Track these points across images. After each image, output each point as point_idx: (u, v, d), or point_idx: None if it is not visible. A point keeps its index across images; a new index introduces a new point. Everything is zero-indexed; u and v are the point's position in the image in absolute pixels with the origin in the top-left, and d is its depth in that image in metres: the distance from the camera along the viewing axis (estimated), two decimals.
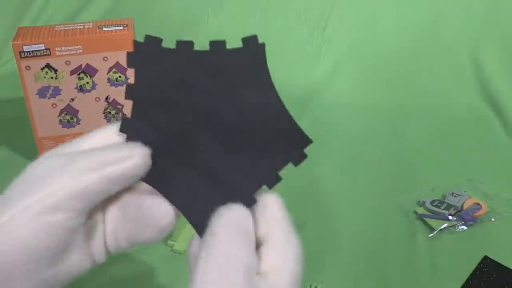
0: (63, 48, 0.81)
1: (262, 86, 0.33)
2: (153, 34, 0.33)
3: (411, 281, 0.70)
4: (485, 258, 0.72)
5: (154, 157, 0.32)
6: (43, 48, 0.80)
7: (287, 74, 1.17)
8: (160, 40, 0.33)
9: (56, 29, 0.83)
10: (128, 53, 0.33)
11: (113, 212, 0.34)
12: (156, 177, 0.33)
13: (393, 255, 0.74)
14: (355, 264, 0.73)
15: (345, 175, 0.90)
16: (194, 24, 1.25)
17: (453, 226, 0.78)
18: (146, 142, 0.32)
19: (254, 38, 0.33)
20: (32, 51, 0.80)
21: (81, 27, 0.83)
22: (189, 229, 0.78)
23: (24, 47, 0.80)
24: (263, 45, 0.33)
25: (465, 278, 0.70)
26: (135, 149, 0.31)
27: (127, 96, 0.33)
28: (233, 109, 0.32)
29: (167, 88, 0.32)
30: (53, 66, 0.82)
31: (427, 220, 0.79)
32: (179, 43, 0.32)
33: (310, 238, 0.77)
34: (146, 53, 0.33)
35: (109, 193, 0.31)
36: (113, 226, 0.34)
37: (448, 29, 1.20)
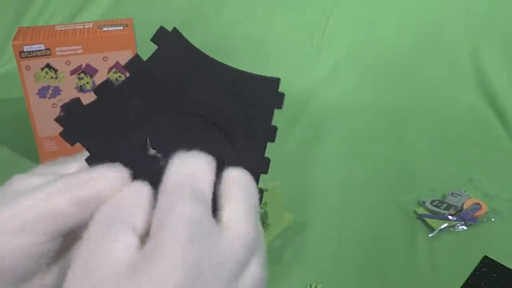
0: (63, 48, 0.81)
1: (206, 67, 0.31)
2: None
3: (411, 281, 0.70)
4: (485, 258, 0.72)
5: None
6: (43, 48, 0.80)
7: (287, 74, 1.16)
8: (79, 101, 0.31)
9: (56, 29, 0.83)
10: (62, 134, 0.31)
11: None
12: None
13: (393, 255, 0.74)
14: (355, 264, 0.73)
15: (345, 175, 0.90)
16: (194, 24, 1.25)
17: (453, 226, 0.78)
18: None
19: (162, 30, 0.31)
20: (32, 51, 0.80)
21: (81, 27, 0.83)
22: None
23: (24, 47, 0.80)
24: (176, 29, 0.31)
25: (465, 278, 0.70)
26: (109, 170, 0.29)
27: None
28: (201, 106, 0.31)
29: (115, 136, 0.31)
30: (53, 66, 0.82)
31: (427, 220, 0.79)
32: (96, 90, 0.31)
33: (310, 238, 0.77)
34: (75, 123, 0.31)
35: (83, 218, 0.28)
36: None
37: (448, 29, 1.20)
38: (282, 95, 0.32)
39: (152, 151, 0.31)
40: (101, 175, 0.28)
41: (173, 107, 0.31)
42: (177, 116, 0.31)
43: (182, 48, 0.31)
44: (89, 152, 0.31)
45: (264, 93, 0.32)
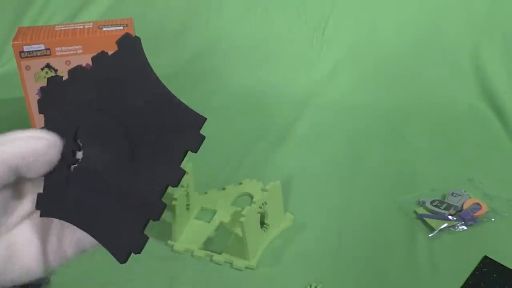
0: (63, 48, 0.81)
1: (144, 81, 0.32)
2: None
3: (411, 281, 0.70)
4: (485, 258, 0.72)
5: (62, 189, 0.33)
6: (43, 48, 0.80)
7: (287, 74, 1.17)
8: (60, 78, 0.34)
9: (56, 29, 0.83)
10: (38, 100, 0.34)
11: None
12: (67, 209, 0.33)
13: (393, 255, 0.74)
14: (355, 264, 0.73)
15: (345, 175, 0.90)
16: (194, 24, 1.25)
17: (453, 226, 0.78)
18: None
19: (127, 35, 0.33)
20: (32, 51, 0.80)
21: (81, 27, 0.83)
22: (189, 229, 0.78)
23: (24, 47, 0.80)
24: (138, 38, 0.32)
25: (465, 278, 0.70)
26: (33, 131, 0.32)
27: None
28: (124, 115, 0.32)
29: (69, 122, 0.33)
30: (53, 66, 0.82)
31: (427, 220, 0.79)
32: (69, 71, 0.34)
33: (310, 238, 0.77)
34: (52, 94, 0.34)
35: (16, 173, 0.31)
36: (59, 228, 0.34)
37: (448, 29, 1.20)
38: (201, 138, 0.30)
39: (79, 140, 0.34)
40: (40, 135, 0.32)
41: (106, 107, 0.33)
42: (104, 115, 0.33)
43: (133, 57, 0.32)
44: (44, 124, 0.34)
45: (182, 129, 0.30)
